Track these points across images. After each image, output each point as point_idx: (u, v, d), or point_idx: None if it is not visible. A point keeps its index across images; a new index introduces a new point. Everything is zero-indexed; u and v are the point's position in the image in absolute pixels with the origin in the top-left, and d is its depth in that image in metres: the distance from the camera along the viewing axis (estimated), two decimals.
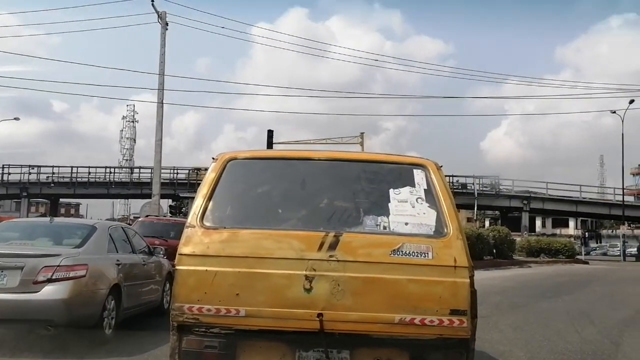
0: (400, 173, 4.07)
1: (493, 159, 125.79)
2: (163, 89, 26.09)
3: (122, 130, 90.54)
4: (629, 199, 58.01)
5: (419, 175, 4.01)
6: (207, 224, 3.82)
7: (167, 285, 8.98)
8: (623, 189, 48.25)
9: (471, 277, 3.65)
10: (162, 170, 30.24)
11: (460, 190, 45.26)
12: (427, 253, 3.63)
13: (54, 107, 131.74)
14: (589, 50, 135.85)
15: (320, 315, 3.56)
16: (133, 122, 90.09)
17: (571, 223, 78.00)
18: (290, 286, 3.61)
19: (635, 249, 48.27)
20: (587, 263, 35.85)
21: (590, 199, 51.55)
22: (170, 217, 30.52)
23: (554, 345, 7.60)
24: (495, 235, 29.52)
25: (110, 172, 49.86)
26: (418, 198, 3.89)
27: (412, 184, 3.96)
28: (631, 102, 42.69)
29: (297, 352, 3.68)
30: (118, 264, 7.27)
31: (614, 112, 45.10)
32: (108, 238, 7.51)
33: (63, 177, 48.38)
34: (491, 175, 50.50)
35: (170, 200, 47.59)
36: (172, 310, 3.72)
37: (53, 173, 48.65)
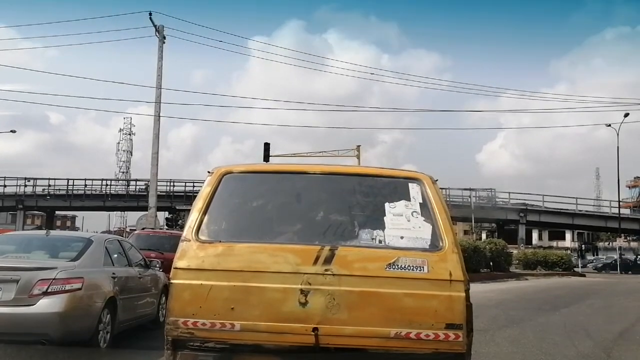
0: (395, 187, 4.09)
1: (489, 172, 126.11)
2: (160, 102, 26.15)
3: (118, 143, 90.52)
4: (625, 211, 58.10)
5: (414, 189, 4.03)
6: (203, 237, 3.82)
7: (163, 298, 8.94)
8: (619, 201, 48.42)
9: (467, 291, 3.66)
10: (159, 183, 30.25)
11: (457, 203, 45.27)
12: (423, 267, 3.64)
13: (50, 119, 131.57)
14: (583, 63, 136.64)
15: (315, 329, 3.56)
16: (130, 134, 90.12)
17: (568, 235, 78.15)
18: (285, 300, 3.61)
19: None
20: (583, 275, 35.88)
21: (587, 211, 51.61)
22: (167, 229, 30.46)
23: (551, 359, 7.58)
24: (491, 247, 29.53)
25: (107, 185, 49.72)
26: (413, 212, 3.91)
27: (408, 198, 3.98)
28: (626, 115, 42.91)
29: None
30: (114, 277, 7.25)
31: (609, 125, 45.29)
32: (104, 251, 7.48)
33: (59, 189, 48.26)
34: (488, 188, 50.64)
35: (166, 213, 47.55)
36: (167, 325, 3.71)
37: (49, 185, 48.53)
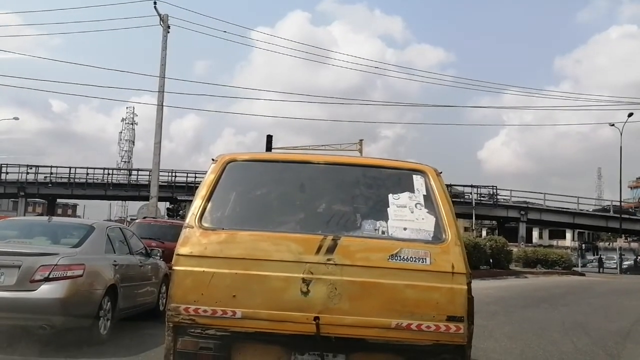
0: (399, 178, 4.09)
1: (490, 169, 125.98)
2: (163, 92, 26.10)
3: (121, 132, 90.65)
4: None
5: (418, 180, 4.03)
6: (206, 224, 3.82)
7: (164, 287, 8.98)
8: (620, 201, 48.35)
9: (469, 284, 3.65)
10: (161, 173, 30.21)
11: (458, 200, 45.25)
12: (425, 259, 3.64)
13: (53, 107, 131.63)
14: (588, 62, 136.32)
15: (316, 318, 3.55)
16: (132, 124, 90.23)
17: (568, 235, 78.11)
18: (287, 289, 3.61)
19: (632, 262, 48.39)
20: (583, 275, 35.93)
21: (588, 211, 51.58)
22: (168, 219, 30.48)
23: (549, 355, 7.62)
24: (492, 245, 29.54)
25: (108, 174, 49.75)
26: (417, 203, 3.90)
27: (412, 190, 3.98)
28: (630, 115, 42.74)
29: (292, 355, 3.67)
30: (115, 265, 7.27)
31: (613, 124, 45.17)
32: (106, 238, 7.51)
33: (61, 177, 48.31)
34: (489, 185, 50.58)
35: (167, 203, 47.54)
36: (168, 311, 3.70)
37: (51, 173, 48.59)
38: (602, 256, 50.18)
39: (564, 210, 49.37)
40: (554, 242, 75.45)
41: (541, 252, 38.89)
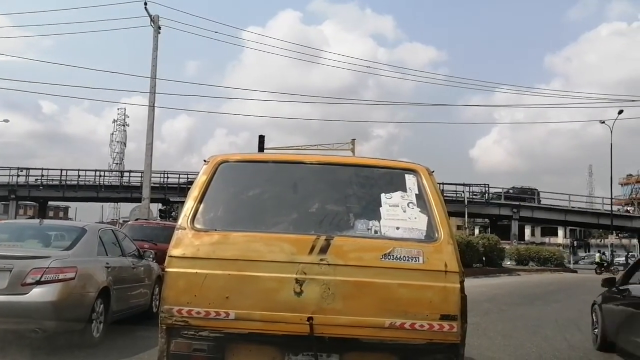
0: (391, 178, 4.09)
1: (482, 167, 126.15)
2: (155, 92, 26.01)
3: (112, 134, 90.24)
4: (617, 208, 58.31)
5: (410, 180, 4.03)
6: (198, 226, 3.81)
7: (157, 289, 8.95)
8: (612, 198, 48.56)
9: (462, 282, 3.66)
10: (153, 174, 30.10)
11: (451, 198, 45.35)
12: (418, 258, 3.64)
13: (43, 108, 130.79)
14: (578, 59, 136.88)
15: (310, 319, 3.55)
16: (124, 125, 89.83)
17: (560, 232, 78.49)
18: (280, 289, 3.60)
19: (623, 258, 48.69)
20: (575, 272, 36.12)
21: (579, 208, 51.81)
22: (160, 220, 30.38)
23: (542, 352, 7.65)
24: (484, 243, 29.65)
25: (100, 176, 49.51)
26: (409, 203, 3.90)
27: (404, 189, 3.98)
28: (620, 112, 42.96)
29: (286, 356, 3.67)
30: (107, 267, 7.23)
31: (603, 122, 45.35)
32: (98, 241, 7.46)
33: (52, 179, 48.04)
34: (481, 183, 50.74)
35: (160, 205, 47.39)
36: (161, 313, 3.69)
37: (42, 175, 48.28)
38: (570, 252, 50.21)
39: (556, 207, 49.58)
40: (546, 240, 75.79)
41: (533, 249, 39.09)
